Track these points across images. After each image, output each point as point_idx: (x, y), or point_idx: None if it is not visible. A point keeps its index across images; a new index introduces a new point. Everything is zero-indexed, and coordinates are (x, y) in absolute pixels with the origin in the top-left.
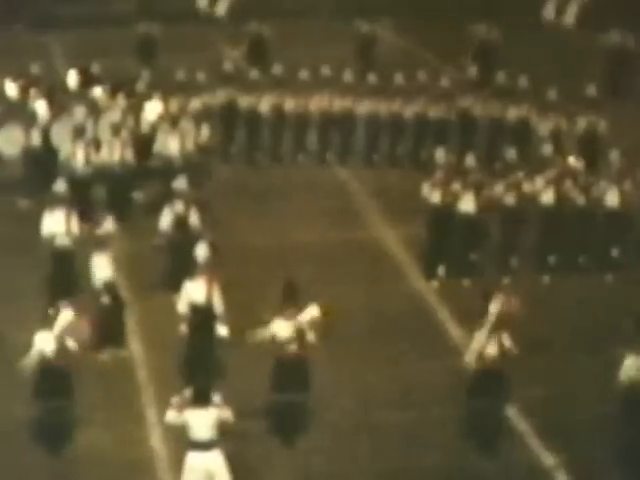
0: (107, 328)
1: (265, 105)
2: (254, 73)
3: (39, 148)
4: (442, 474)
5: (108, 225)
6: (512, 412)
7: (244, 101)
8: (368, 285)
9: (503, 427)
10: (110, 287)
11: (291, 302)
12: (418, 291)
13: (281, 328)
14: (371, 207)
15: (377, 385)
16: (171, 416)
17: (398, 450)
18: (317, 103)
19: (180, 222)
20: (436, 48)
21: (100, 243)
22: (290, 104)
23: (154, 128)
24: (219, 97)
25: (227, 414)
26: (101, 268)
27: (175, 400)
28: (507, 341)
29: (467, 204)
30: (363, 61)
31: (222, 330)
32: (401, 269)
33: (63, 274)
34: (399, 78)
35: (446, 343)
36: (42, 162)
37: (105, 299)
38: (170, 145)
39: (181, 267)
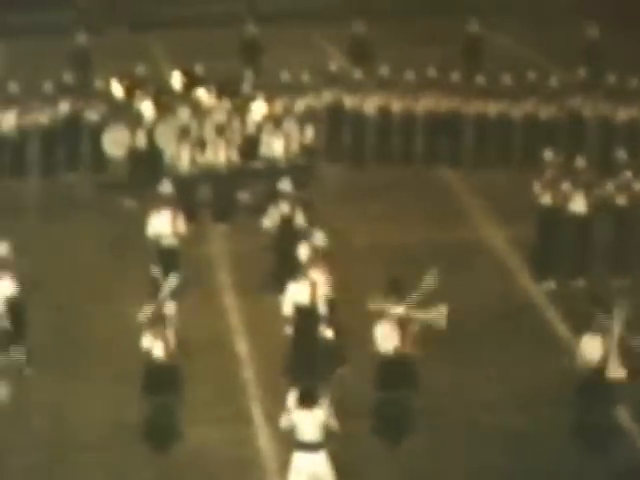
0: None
1: (371, 106)
2: (359, 74)
3: (144, 149)
4: (549, 476)
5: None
6: (623, 413)
7: (350, 102)
8: (475, 286)
9: (614, 429)
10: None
11: (397, 298)
12: (527, 292)
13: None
14: (478, 207)
15: (483, 386)
16: (285, 422)
17: (503, 452)
18: (424, 104)
19: (285, 223)
20: (545, 48)
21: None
22: (397, 105)
23: (259, 129)
24: (325, 98)
25: (332, 423)
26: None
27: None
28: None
29: (578, 204)
30: (471, 61)
31: (327, 332)
32: (509, 270)
33: (169, 274)
34: (507, 78)
35: (555, 344)
36: (147, 163)
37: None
38: (275, 146)
39: (286, 268)
